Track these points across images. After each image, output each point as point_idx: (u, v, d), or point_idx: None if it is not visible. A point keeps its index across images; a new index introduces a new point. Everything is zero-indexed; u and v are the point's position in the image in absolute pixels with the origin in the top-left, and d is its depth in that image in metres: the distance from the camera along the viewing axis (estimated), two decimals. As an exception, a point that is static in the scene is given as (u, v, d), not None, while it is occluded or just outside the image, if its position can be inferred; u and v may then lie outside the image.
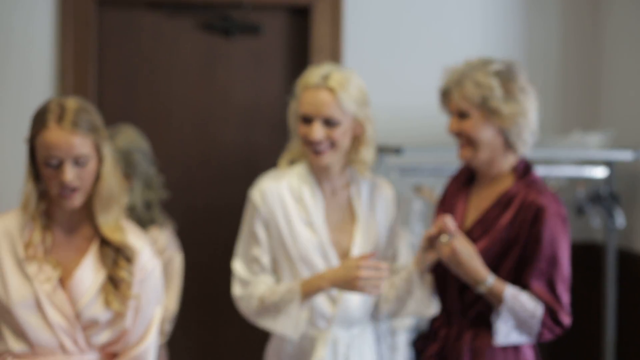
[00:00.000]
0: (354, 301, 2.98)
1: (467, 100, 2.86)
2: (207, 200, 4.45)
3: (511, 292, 2.80)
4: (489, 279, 2.81)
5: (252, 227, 3.00)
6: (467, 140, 2.89)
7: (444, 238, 2.82)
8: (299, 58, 4.46)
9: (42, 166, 2.54)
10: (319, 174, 3.01)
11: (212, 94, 4.47)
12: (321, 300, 2.96)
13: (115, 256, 2.61)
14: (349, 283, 2.83)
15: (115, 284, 2.59)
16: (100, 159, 2.59)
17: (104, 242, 2.62)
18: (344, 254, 2.98)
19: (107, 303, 2.58)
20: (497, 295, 2.80)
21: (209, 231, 4.43)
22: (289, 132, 3.09)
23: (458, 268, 2.83)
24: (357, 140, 2.99)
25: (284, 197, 2.97)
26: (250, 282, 2.99)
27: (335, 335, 2.96)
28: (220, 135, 4.47)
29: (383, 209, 3.08)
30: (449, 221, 2.82)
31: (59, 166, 2.52)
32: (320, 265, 2.94)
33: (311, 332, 2.97)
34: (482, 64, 2.89)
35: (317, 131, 2.89)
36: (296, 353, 2.99)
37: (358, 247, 2.99)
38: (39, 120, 2.54)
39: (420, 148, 4.22)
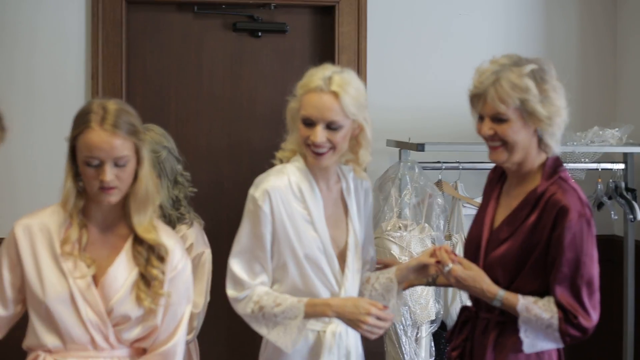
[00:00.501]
0: (353, 294, 2.99)
1: (504, 104, 2.77)
2: (235, 197, 4.49)
3: (524, 305, 2.78)
4: (499, 294, 2.81)
5: (257, 227, 2.95)
6: (502, 143, 2.83)
7: (445, 268, 2.85)
8: (325, 56, 4.50)
9: (82, 165, 2.58)
10: (315, 172, 2.99)
11: (240, 93, 4.55)
12: (324, 295, 2.96)
13: (148, 255, 2.65)
14: (353, 322, 2.87)
15: (147, 282, 2.63)
16: (138, 161, 2.63)
17: (137, 241, 2.66)
18: (341, 252, 3.00)
19: (139, 300, 2.61)
20: (512, 308, 2.80)
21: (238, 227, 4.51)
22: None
23: (467, 290, 2.88)
24: (354, 141, 2.97)
25: (287, 195, 2.94)
26: (247, 285, 2.95)
27: (339, 327, 2.99)
28: (248, 134, 4.55)
29: (365, 201, 3.11)
30: (443, 254, 2.86)
31: (99, 166, 2.56)
32: (323, 263, 2.94)
33: (316, 326, 2.99)
34: (514, 64, 2.81)
35: (320, 135, 2.87)
36: (302, 345, 2.99)
37: (352, 241, 3.01)
38: (82, 121, 2.58)
39: (442, 144, 4.27)
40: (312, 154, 2.91)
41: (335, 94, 2.86)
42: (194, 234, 3.61)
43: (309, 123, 2.89)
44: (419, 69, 4.60)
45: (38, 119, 4.35)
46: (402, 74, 4.60)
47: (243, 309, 2.94)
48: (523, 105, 2.77)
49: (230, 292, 2.96)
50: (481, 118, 2.86)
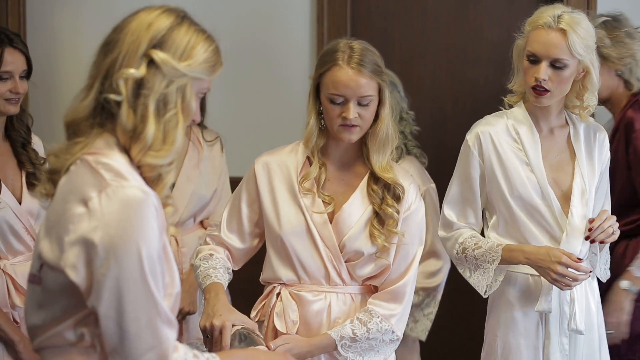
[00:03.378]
0: (578, 244, 2.96)
1: None
2: (459, 139, 4.46)
3: None
4: None
5: (466, 169, 3.07)
6: None
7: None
8: (552, -5, 4.41)
9: (326, 102, 2.65)
10: (536, 114, 3.03)
11: (465, 32, 4.49)
12: (540, 237, 2.98)
13: (383, 193, 2.69)
14: (543, 270, 2.89)
15: (380, 220, 2.68)
16: (380, 101, 2.67)
17: (372, 180, 2.71)
18: (564, 193, 3.00)
19: (372, 237, 2.66)
20: None
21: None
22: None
23: None
24: (578, 84, 2.97)
25: (498, 138, 3.02)
26: (455, 226, 3.08)
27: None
28: (472, 74, 4.50)
29: (600, 152, 3.06)
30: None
31: (343, 104, 2.62)
32: (538, 204, 2.97)
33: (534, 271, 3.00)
34: None
35: (544, 71, 2.89)
36: (522, 292, 3.04)
37: (578, 185, 2.98)
38: (329, 59, 2.64)
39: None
40: (533, 92, 2.92)
41: (563, 32, 2.87)
42: (417, 169, 3.68)
43: (533, 60, 2.91)
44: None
45: (264, 62, 4.46)
46: (637, 14, 4.39)
47: (450, 250, 3.07)
48: None
49: (440, 232, 3.09)
50: None
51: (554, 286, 2.93)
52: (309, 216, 2.68)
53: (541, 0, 4.41)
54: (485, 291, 3.01)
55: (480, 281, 3.01)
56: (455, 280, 4.46)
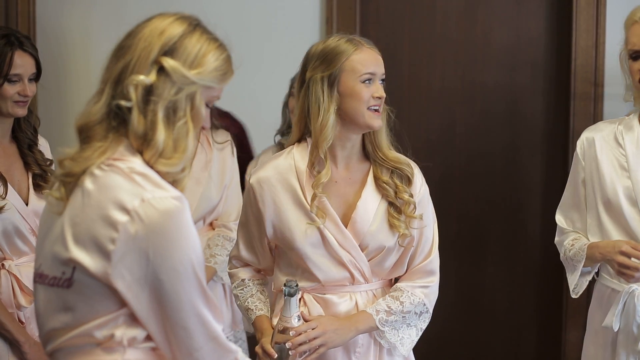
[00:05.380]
0: None
1: None
2: (467, 140, 4.48)
3: None
4: None
5: (573, 174, 3.03)
6: None
7: None
8: (562, -3, 4.40)
9: (355, 87, 2.60)
10: None
11: (473, 35, 4.48)
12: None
13: (394, 182, 2.67)
14: (610, 262, 2.84)
15: (397, 209, 2.66)
16: None
17: (380, 171, 2.68)
18: None
19: (393, 228, 2.65)
20: None
21: (470, 172, 4.47)
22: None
23: None
24: None
25: (601, 144, 2.95)
26: (563, 231, 3.07)
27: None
28: (481, 76, 4.48)
29: None
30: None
31: (372, 84, 2.61)
32: (626, 210, 2.88)
33: (614, 285, 2.94)
34: None
35: None
36: (601, 304, 2.99)
37: None
38: (340, 50, 2.62)
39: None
40: (638, 85, 2.83)
41: None
42: None
43: (635, 56, 2.83)
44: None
45: (273, 64, 4.46)
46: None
47: (561, 256, 3.03)
48: None
49: (556, 239, 3.08)
50: None
51: (620, 304, 2.87)
52: (322, 225, 2.63)
53: (549, 3, 4.41)
54: (574, 290, 2.99)
55: (572, 281, 2.97)
56: (456, 283, 4.46)
